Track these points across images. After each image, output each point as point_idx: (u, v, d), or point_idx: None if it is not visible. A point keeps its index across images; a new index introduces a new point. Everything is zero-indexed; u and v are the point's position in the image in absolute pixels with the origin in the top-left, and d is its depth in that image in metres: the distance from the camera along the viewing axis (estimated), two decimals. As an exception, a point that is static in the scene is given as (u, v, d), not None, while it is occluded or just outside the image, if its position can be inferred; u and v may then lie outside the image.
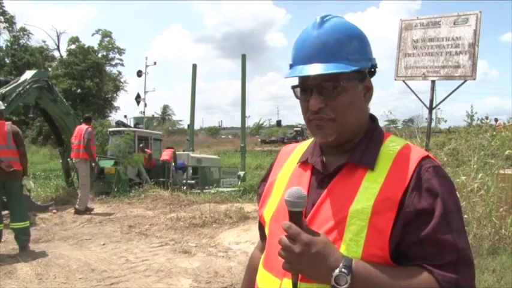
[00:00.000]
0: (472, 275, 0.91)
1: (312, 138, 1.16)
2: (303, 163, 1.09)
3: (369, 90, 1.05)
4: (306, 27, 1.04)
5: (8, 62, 34.77)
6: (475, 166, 5.57)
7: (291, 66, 1.03)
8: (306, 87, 1.00)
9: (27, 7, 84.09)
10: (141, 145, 12.81)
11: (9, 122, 5.41)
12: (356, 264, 0.87)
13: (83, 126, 8.42)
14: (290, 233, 0.88)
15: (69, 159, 8.81)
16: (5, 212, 5.62)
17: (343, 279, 0.85)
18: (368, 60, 1.03)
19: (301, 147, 1.17)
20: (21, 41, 36.00)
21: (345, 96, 0.98)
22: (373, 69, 1.06)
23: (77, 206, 8.04)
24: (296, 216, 0.90)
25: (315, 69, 0.96)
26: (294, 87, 1.04)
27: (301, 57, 1.01)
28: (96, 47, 37.71)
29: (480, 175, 5.37)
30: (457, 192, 0.99)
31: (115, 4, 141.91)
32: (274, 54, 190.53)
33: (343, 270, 0.85)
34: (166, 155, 13.15)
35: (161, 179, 11.89)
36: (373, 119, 1.08)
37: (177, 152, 14.26)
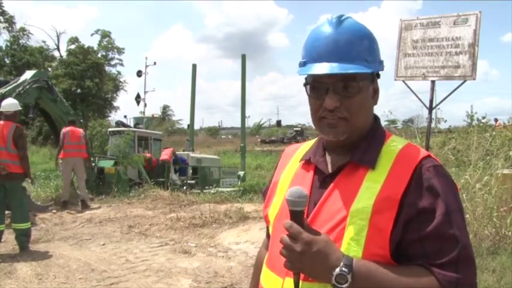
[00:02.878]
0: (473, 272, 0.91)
1: (315, 138, 1.15)
2: (306, 162, 1.10)
3: (376, 92, 1.06)
4: (318, 25, 1.03)
5: (7, 62, 34.67)
6: (473, 166, 5.56)
7: (304, 63, 1.02)
8: (320, 85, 0.99)
9: (28, 7, 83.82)
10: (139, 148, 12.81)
11: (15, 125, 5.39)
12: (357, 263, 0.87)
13: (77, 129, 8.70)
14: (291, 232, 0.88)
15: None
16: (7, 212, 5.62)
17: (343, 278, 0.85)
18: (380, 63, 1.04)
19: (304, 147, 1.17)
20: (21, 41, 35.94)
21: (360, 97, 0.99)
22: (380, 72, 1.07)
23: (80, 195, 8.54)
24: (297, 216, 0.90)
25: (335, 68, 0.95)
26: (305, 85, 1.03)
27: (318, 55, 0.99)
28: (95, 47, 37.73)
29: (479, 175, 5.37)
30: (458, 191, 0.99)
31: (116, 4, 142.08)
32: (276, 54, 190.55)
33: (343, 269, 0.85)
34: (165, 154, 13.14)
35: (161, 179, 11.89)
36: (375, 118, 1.09)
37: (177, 152, 14.25)
